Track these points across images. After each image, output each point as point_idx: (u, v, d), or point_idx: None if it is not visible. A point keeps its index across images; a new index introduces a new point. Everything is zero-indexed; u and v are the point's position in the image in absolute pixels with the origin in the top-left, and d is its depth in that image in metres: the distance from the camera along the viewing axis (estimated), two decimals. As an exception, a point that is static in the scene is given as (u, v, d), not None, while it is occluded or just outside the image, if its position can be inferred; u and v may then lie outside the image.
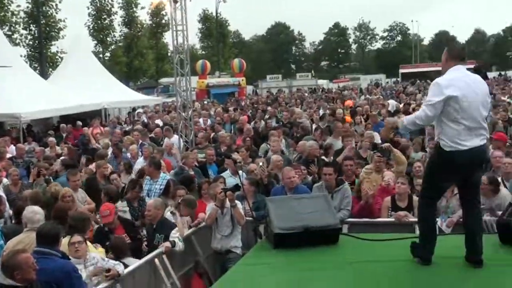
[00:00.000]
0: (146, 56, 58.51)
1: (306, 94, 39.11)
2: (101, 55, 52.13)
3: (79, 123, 21.45)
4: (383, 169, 9.40)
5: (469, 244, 5.59)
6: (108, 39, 53.68)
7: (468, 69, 5.78)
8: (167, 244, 7.42)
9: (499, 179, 8.62)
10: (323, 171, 8.64)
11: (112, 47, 54.56)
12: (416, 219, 7.86)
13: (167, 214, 8.28)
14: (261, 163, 10.25)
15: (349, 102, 24.82)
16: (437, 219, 7.84)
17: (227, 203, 7.96)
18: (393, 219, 8.09)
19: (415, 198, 8.16)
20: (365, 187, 8.52)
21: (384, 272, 5.62)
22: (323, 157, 11.48)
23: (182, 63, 16.68)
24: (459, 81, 5.41)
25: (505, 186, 8.40)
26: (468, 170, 5.49)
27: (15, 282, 5.09)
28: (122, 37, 55.98)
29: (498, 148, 10.16)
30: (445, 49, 5.80)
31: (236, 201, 8.01)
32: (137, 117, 25.73)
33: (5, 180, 11.24)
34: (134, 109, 30.15)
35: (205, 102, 35.84)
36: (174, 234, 7.57)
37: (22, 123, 20.30)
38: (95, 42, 52.11)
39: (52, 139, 17.21)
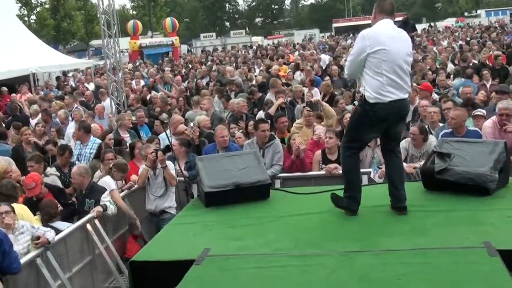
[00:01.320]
0: (75, 18, 56.77)
1: (241, 52, 38.89)
2: (26, 18, 50.21)
3: (4, 89, 20.73)
4: (314, 123, 9.53)
5: (393, 192, 5.77)
6: (32, 1, 51.69)
7: (397, 21, 5.90)
8: (98, 208, 7.36)
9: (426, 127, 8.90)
10: (259, 127, 8.62)
11: (38, 9, 52.58)
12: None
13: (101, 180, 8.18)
14: (191, 124, 10.22)
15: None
16: (370, 170, 8.12)
17: (159, 164, 7.95)
18: (324, 172, 8.24)
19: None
20: (296, 141, 8.59)
21: (314, 223, 5.75)
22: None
23: (109, 24, 16.29)
24: (384, 34, 5.49)
25: (431, 133, 8.66)
26: (391, 122, 5.62)
27: None
28: (48, -1, 54.17)
29: (425, 97, 10.44)
30: (375, 4, 5.88)
31: (168, 162, 8.00)
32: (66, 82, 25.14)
33: None
34: (64, 73, 29.35)
35: (138, 64, 35.26)
36: (105, 198, 7.51)
37: None
38: (19, 5, 50.12)
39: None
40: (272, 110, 10.89)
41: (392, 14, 5.75)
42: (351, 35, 50.11)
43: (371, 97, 5.46)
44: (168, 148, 8.07)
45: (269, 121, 9.48)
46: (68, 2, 55.70)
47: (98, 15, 16.52)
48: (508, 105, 7.74)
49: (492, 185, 5.94)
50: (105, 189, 7.76)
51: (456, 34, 35.38)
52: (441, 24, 60.43)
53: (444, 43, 28.71)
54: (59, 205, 7.72)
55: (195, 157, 8.16)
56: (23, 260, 5.98)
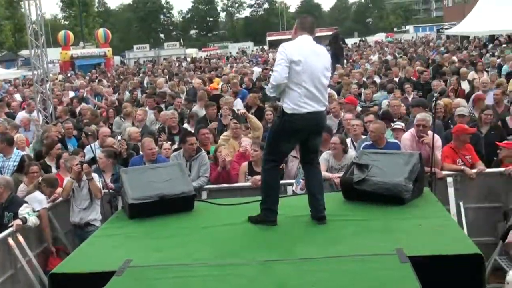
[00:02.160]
0: (3, 27, 55.26)
1: (175, 64, 38.82)
2: (-49, 27, 48.65)
3: None
4: (240, 135, 9.67)
5: (312, 203, 5.95)
6: (-42, 9, 50.11)
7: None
8: (17, 221, 7.22)
9: (349, 140, 9.16)
10: (187, 141, 8.63)
11: (-36, 18, 51.04)
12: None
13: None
14: (119, 137, 10.18)
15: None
16: (293, 181, 8.29)
17: (84, 176, 7.90)
18: (249, 184, 8.35)
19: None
20: (223, 153, 8.69)
21: (235, 233, 5.86)
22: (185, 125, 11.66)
23: (37, 35, 16.01)
24: (304, 48, 5.70)
25: (354, 147, 8.91)
26: (308, 133, 5.80)
27: None
28: (-26, 7, 52.48)
29: (350, 110, 10.74)
30: (296, 20, 6.10)
31: (93, 174, 7.96)
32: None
33: None
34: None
35: (69, 75, 34.70)
36: (23, 210, 7.36)
37: None
38: None
39: None
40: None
41: (312, 32, 5.94)
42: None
43: (289, 108, 5.65)
44: (93, 160, 8.04)
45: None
46: (-4, 11, 54.36)
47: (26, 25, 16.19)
48: (425, 116, 8.11)
49: (407, 195, 6.21)
50: (24, 202, 7.62)
51: (386, 48, 36.37)
52: (371, 39, 62.12)
53: (374, 57, 29.56)
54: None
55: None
56: None
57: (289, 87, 5.65)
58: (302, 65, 5.59)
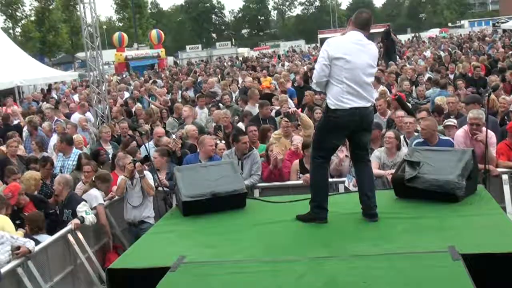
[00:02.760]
0: (60, 30, 56.74)
1: (227, 64, 39.15)
2: (11, 31, 50.18)
3: (-10, 101, 20.87)
4: (292, 134, 9.73)
5: (363, 200, 5.96)
6: (17, 13, 51.58)
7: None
8: (76, 221, 7.51)
9: (401, 137, 9.10)
10: (240, 139, 8.74)
11: (23, 22, 52.49)
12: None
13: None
14: (174, 136, 10.38)
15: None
16: (345, 179, 8.31)
17: (136, 174, 8.11)
18: (301, 182, 8.40)
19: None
20: (274, 152, 8.77)
21: (286, 230, 5.93)
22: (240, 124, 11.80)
23: (93, 37, 16.43)
24: (348, 44, 5.73)
25: (407, 144, 8.84)
26: (353, 129, 5.81)
27: None
28: (32, 12, 53.95)
29: (396, 108, 10.62)
30: (354, 14, 6.08)
31: (146, 172, 8.16)
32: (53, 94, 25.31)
33: None
34: (50, 86, 29.39)
35: (124, 76, 35.38)
36: (81, 209, 7.64)
37: None
38: (4, 17, 50.11)
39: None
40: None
41: (364, 28, 5.91)
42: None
43: (332, 103, 5.70)
44: (146, 159, 8.24)
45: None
46: (53, 14, 55.62)
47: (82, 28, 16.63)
48: (478, 114, 7.96)
49: (460, 192, 6.15)
50: (82, 200, 7.89)
51: (438, 44, 35.74)
52: (425, 35, 61.08)
53: (427, 53, 29.10)
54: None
55: (176, 167, 8.32)
56: (4, 269, 6.12)
57: (331, 83, 5.72)
58: (344, 62, 5.63)
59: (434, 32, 65.72)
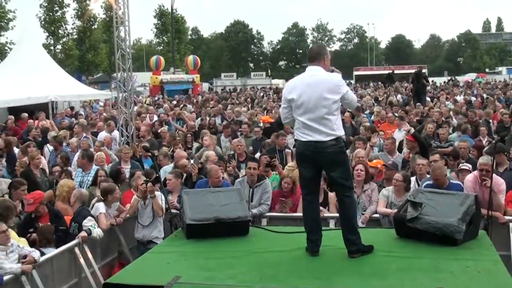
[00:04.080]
0: (100, 50, 58.03)
1: (259, 94, 39.56)
2: (52, 48, 51.48)
3: (25, 114, 21.40)
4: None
5: (343, 235, 6.05)
6: (60, 31, 52.92)
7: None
8: (83, 233, 7.73)
9: (414, 178, 9.18)
10: (247, 166, 8.98)
11: (64, 39, 53.83)
12: (330, 214, 8.45)
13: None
14: (192, 161, 10.61)
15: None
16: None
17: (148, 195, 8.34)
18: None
19: (331, 194, 8.67)
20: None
21: (283, 260, 6.01)
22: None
23: (125, 58, 16.88)
24: (299, 83, 6.01)
25: (419, 186, 8.89)
26: (315, 162, 5.95)
27: None
28: (74, 30, 55.28)
29: (412, 148, 10.71)
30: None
31: (157, 193, 8.37)
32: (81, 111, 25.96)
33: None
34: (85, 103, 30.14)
35: (156, 98, 36.00)
36: (87, 223, 7.86)
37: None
38: (47, 34, 51.40)
39: (-9, 130, 17.19)
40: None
41: (314, 61, 6.09)
42: (371, 83, 50.72)
43: (295, 135, 6.06)
44: (157, 180, 8.45)
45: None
46: (94, 34, 57.00)
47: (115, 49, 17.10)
48: (487, 160, 8.02)
49: (459, 236, 6.18)
50: (89, 214, 8.13)
51: (472, 89, 35.59)
52: (462, 79, 60.90)
53: (460, 97, 29.01)
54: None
55: (186, 190, 8.51)
56: (7, 276, 6.34)
57: (295, 118, 6.00)
58: (295, 102, 5.90)
59: (471, 76, 65.46)
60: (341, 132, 5.94)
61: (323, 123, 5.81)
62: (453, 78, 60.78)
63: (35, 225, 8.08)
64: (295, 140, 6.12)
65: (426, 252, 6.07)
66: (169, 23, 64.86)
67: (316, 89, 5.83)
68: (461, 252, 6.06)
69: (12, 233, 7.18)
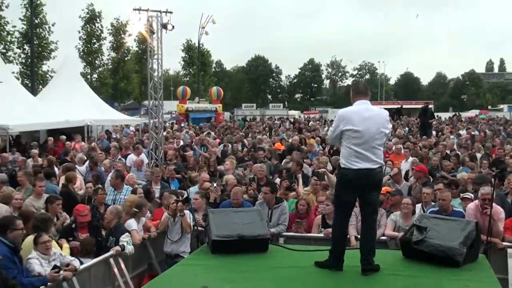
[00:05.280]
0: (132, 79, 58.82)
1: (276, 124, 39.89)
2: (89, 76, 52.27)
3: (63, 137, 21.80)
4: (319, 191, 10.03)
5: (361, 253, 6.23)
6: (96, 62, 53.72)
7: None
8: (117, 248, 7.94)
9: (419, 205, 9.28)
10: (262, 190, 9.19)
11: (100, 69, 54.65)
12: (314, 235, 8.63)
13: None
14: (215, 184, 10.83)
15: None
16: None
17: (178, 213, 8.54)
18: (322, 235, 8.66)
19: (317, 217, 8.90)
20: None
21: (299, 275, 6.19)
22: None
23: (157, 89, 17.23)
24: (356, 115, 6.08)
25: (424, 212, 8.99)
26: (360, 187, 6.10)
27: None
28: (109, 61, 56.11)
29: (419, 178, 10.85)
30: (351, 87, 6.55)
31: (186, 211, 8.57)
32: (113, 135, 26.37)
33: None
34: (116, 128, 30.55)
35: (182, 125, 36.38)
36: (124, 239, 8.08)
37: (9, 135, 20.60)
38: (84, 64, 52.26)
39: (35, 151, 17.46)
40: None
41: (366, 94, 6.28)
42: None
43: (343, 163, 6.11)
44: (187, 199, 8.66)
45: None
46: (127, 65, 57.83)
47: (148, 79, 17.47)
48: (489, 191, 8.12)
49: (460, 258, 6.29)
50: (127, 231, 8.34)
51: (474, 125, 35.52)
52: (465, 115, 60.81)
53: (462, 131, 28.99)
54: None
55: (212, 210, 8.69)
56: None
57: (343, 146, 6.13)
58: (352, 132, 6.01)
59: (474, 112, 65.36)
60: (383, 161, 6.25)
61: (374, 152, 6.04)
62: (457, 114, 60.67)
63: (74, 234, 8.33)
64: (343, 168, 6.10)
65: (430, 272, 6.20)
66: (195, 57, 65.61)
67: (374, 123, 6.05)
68: (462, 273, 6.17)
69: (53, 243, 7.41)
